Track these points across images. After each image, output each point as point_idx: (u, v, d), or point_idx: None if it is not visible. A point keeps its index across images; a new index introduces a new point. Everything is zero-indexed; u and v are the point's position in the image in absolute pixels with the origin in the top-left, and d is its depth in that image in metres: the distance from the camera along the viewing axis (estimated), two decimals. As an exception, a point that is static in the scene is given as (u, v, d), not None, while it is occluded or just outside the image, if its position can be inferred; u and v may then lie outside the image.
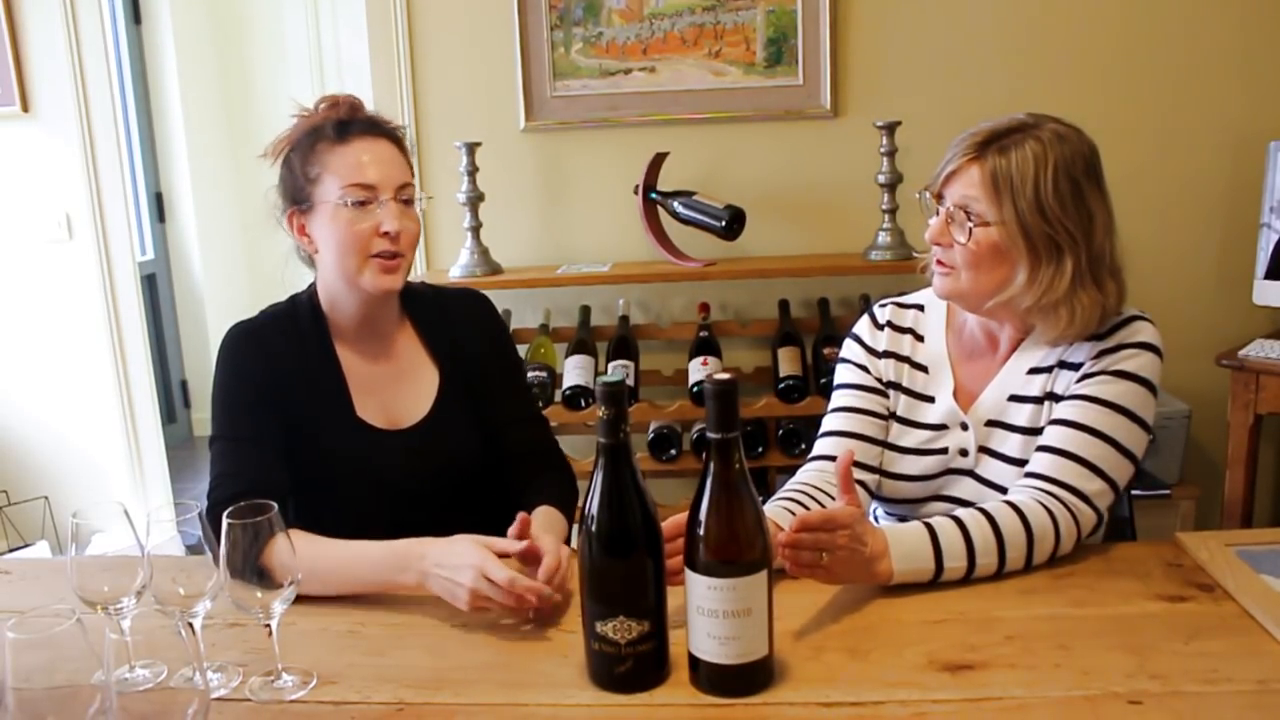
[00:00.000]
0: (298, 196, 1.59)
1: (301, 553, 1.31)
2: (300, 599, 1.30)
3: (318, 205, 1.56)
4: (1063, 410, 1.48)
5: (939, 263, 1.53)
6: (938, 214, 1.51)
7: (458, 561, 1.31)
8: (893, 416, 1.64)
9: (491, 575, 1.28)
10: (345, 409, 1.62)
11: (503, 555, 1.33)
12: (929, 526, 1.38)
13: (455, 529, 1.40)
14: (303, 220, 1.60)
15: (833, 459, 1.59)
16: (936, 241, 1.51)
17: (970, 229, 1.46)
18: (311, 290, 1.67)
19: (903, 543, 1.36)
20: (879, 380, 1.65)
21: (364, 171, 1.54)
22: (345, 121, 1.58)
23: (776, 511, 1.50)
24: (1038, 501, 1.41)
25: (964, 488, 1.57)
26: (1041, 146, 1.44)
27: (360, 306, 1.62)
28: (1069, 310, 1.47)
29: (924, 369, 1.64)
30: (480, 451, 1.68)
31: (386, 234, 1.54)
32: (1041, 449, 1.47)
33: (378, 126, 1.61)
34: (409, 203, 1.59)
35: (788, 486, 1.59)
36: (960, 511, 1.41)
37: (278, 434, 1.56)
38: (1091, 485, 1.43)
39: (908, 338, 1.66)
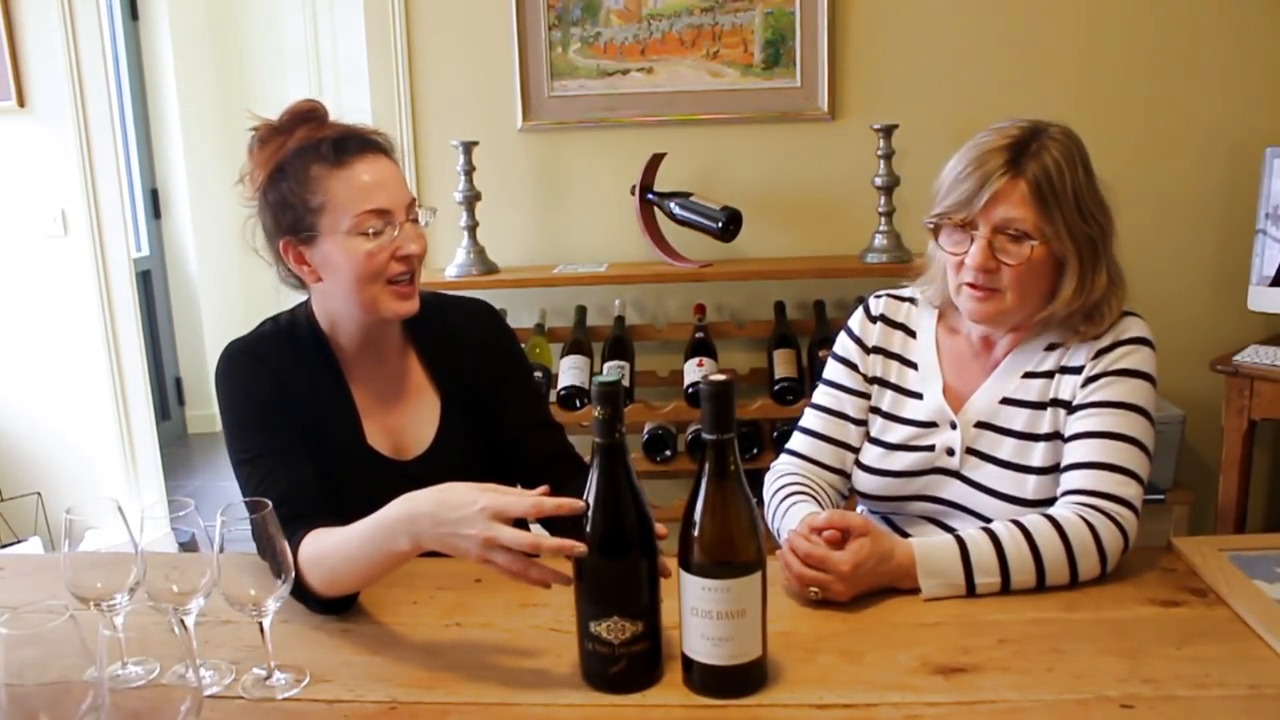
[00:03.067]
0: (297, 226, 1.48)
1: (315, 553, 1.32)
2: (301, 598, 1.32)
3: (323, 235, 1.47)
4: (1081, 422, 1.47)
5: (975, 287, 1.48)
6: (971, 240, 1.46)
7: (464, 515, 1.18)
8: (876, 411, 1.65)
9: (506, 513, 1.17)
10: (355, 436, 1.57)
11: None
12: (959, 540, 1.38)
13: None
14: (302, 249, 1.49)
15: (806, 458, 1.66)
16: (984, 269, 1.45)
17: (1032, 247, 1.43)
18: (308, 310, 1.60)
19: (929, 558, 1.37)
20: (865, 377, 1.66)
21: (374, 196, 1.46)
22: (340, 141, 1.48)
23: (801, 510, 1.52)
24: (1079, 516, 1.39)
25: (950, 489, 1.57)
26: (1061, 146, 1.44)
27: (364, 330, 1.56)
28: (1108, 308, 1.48)
29: (914, 365, 1.64)
30: (484, 478, 1.65)
31: (405, 258, 1.48)
32: (1074, 465, 1.45)
33: (375, 143, 1.51)
34: (415, 220, 1.52)
35: (785, 483, 1.62)
36: (995, 524, 1.41)
37: (297, 439, 1.50)
38: (1129, 490, 1.42)
39: (899, 333, 1.66)
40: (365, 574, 1.31)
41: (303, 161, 1.47)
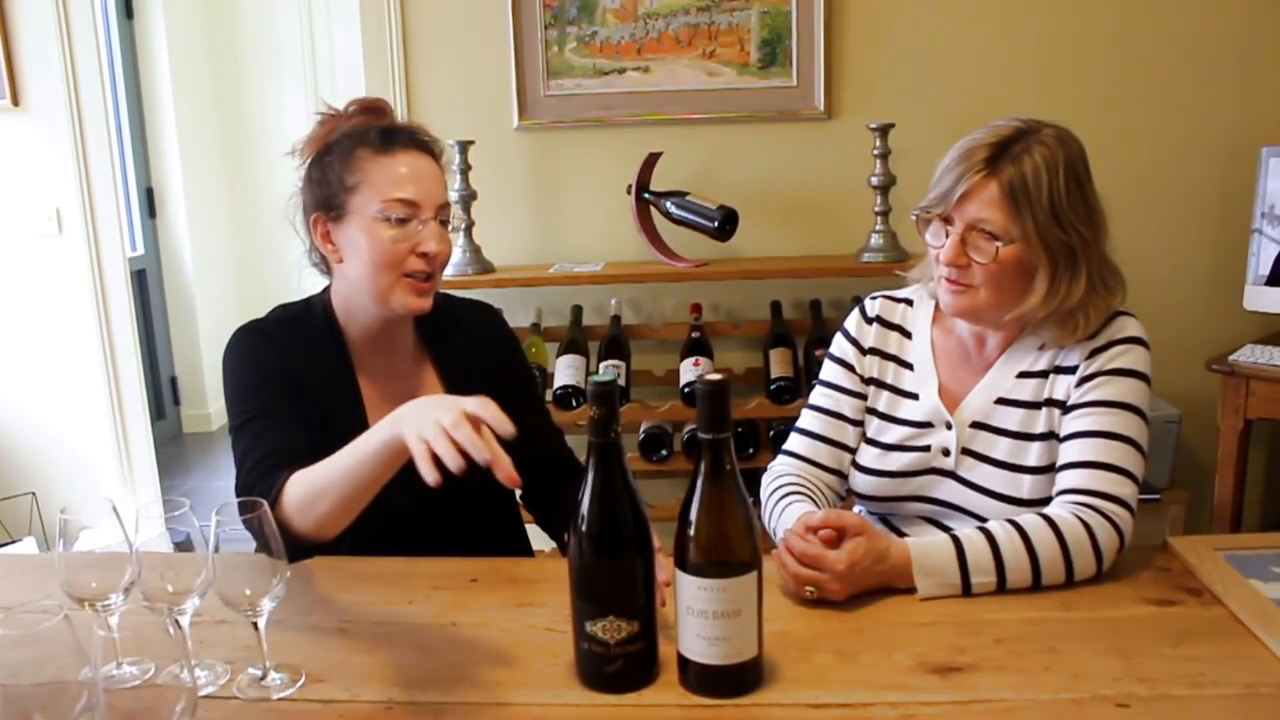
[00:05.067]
0: (330, 203, 1.53)
1: (299, 480, 1.34)
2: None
3: (351, 215, 1.51)
4: (1076, 422, 1.47)
5: (953, 282, 1.49)
6: (946, 235, 1.48)
7: (448, 401, 1.21)
8: (872, 412, 1.65)
9: (470, 409, 1.17)
10: (359, 424, 1.55)
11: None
12: (955, 539, 1.38)
13: (458, 550, 1.38)
14: (329, 227, 1.54)
15: (803, 459, 1.66)
16: (954, 263, 1.47)
17: (997, 248, 1.43)
18: (326, 297, 1.63)
19: (925, 557, 1.37)
20: (861, 378, 1.66)
21: (407, 187, 1.50)
22: (390, 131, 1.54)
23: (797, 510, 1.52)
24: (1074, 515, 1.39)
25: (946, 489, 1.57)
26: (1048, 150, 1.43)
27: (378, 320, 1.58)
28: (1085, 315, 1.47)
29: (909, 366, 1.64)
30: (485, 475, 1.65)
31: (424, 255, 1.50)
32: (1069, 465, 1.45)
33: (422, 141, 1.56)
34: (445, 223, 1.55)
35: (782, 484, 1.61)
36: (991, 524, 1.41)
37: (296, 410, 1.51)
38: (1125, 489, 1.42)
39: (895, 334, 1.66)
40: (344, 485, 1.31)
41: (350, 143, 1.53)
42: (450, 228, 1.57)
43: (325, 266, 1.61)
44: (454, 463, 1.15)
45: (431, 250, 1.51)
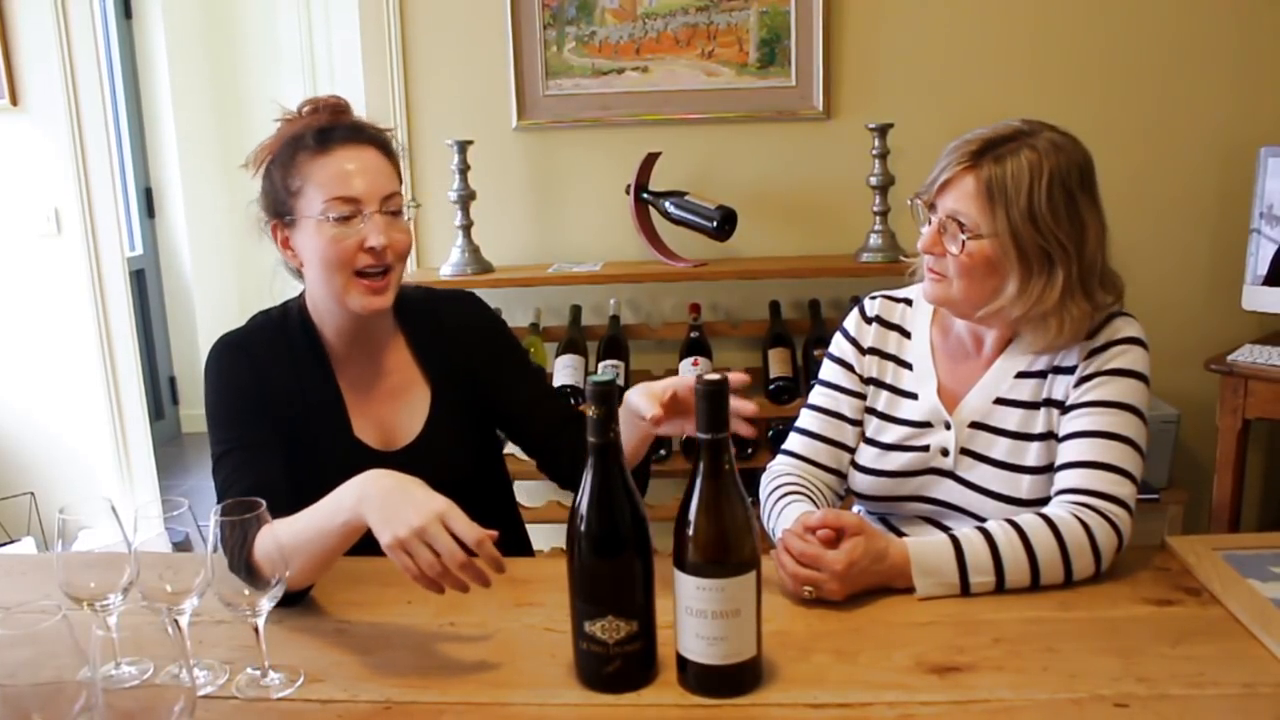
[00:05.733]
0: (280, 209, 1.52)
1: (266, 539, 1.28)
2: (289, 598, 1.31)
3: (300, 219, 1.50)
4: (1075, 422, 1.47)
5: (930, 270, 1.52)
6: (929, 222, 1.50)
7: (417, 499, 1.22)
8: (872, 412, 1.65)
9: (453, 525, 1.19)
10: (342, 428, 1.58)
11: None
12: (954, 539, 1.38)
13: None
14: (286, 233, 1.53)
15: (803, 458, 1.66)
16: (929, 250, 1.50)
17: (964, 241, 1.45)
18: (301, 301, 1.62)
19: (924, 557, 1.37)
20: (860, 377, 1.66)
21: (347, 184, 1.47)
22: (327, 129, 1.51)
23: (796, 509, 1.52)
24: (1073, 515, 1.39)
25: (945, 489, 1.57)
26: (1037, 155, 1.43)
27: (350, 322, 1.57)
28: (1059, 321, 1.46)
29: (908, 366, 1.64)
30: (472, 469, 1.66)
31: (371, 249, 1.48)
32: (1068, 465, 1.45)
33: (362, 133, 1.54)
34: (396, 213, 1.52)
35: (781, 483, 1.61)
36: (990, 523, 1.41)
37: (275, 438, 1.51)
38: (1124, 489, 1.42)
39: (894, 334, 1.67)
40: (308, 553, 1.31)
41: (292, 148, 1.52)
42: (406, 216, 1.54)
43: (299, 272, 1.60)
44: (456, 587, 1.21)
45: (378, 244, 1.48)
